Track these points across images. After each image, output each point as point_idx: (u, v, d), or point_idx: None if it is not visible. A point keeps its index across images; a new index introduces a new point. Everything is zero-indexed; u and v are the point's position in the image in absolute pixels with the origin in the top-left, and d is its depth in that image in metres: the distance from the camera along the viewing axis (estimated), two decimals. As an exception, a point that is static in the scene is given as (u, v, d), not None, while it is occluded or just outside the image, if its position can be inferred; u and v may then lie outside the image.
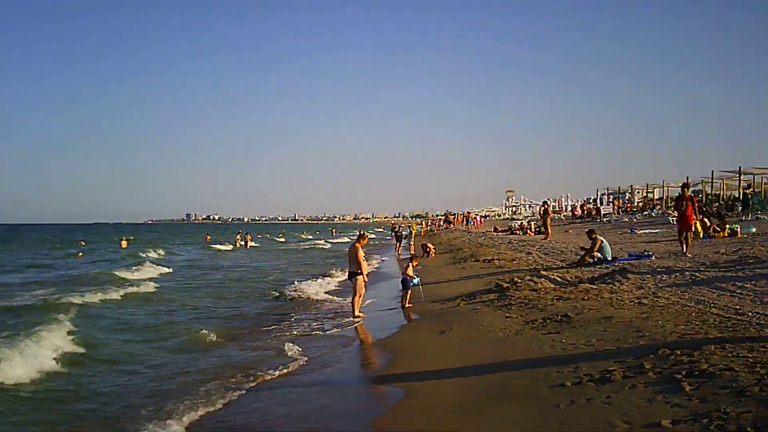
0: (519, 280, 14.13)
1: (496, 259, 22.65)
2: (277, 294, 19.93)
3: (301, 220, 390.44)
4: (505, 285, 13.92)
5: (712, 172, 52.76)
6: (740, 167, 46.32)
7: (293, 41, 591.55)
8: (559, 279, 14.45)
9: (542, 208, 35.76)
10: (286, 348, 11.06)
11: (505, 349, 8.78)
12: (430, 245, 33.58)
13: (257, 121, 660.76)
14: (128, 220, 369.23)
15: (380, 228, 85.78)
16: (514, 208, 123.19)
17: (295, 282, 22.44)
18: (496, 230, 50.80)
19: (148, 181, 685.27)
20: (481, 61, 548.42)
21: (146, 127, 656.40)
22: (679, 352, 6.92)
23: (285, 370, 9.65)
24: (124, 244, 58.89)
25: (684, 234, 17.35)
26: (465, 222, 76.91)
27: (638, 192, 71.67)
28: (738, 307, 9.52)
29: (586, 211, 63.43)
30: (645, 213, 52.62)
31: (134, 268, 32.36)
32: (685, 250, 17.06)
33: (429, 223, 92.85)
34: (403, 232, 43.13)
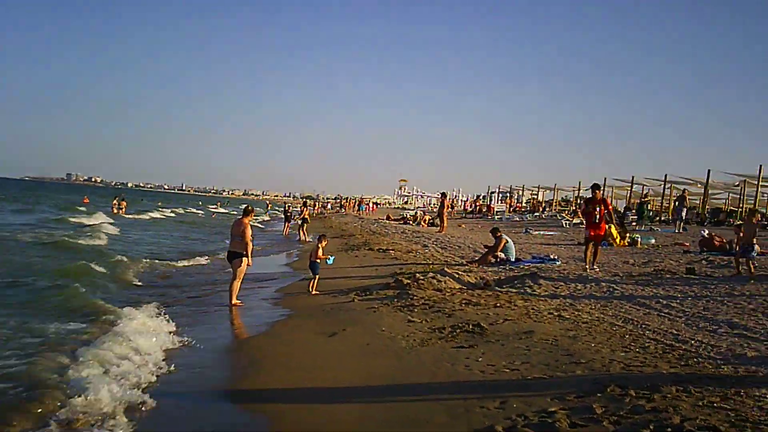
0: (421, 277, 12.56)
1: (391, 250, 21.17)
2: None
3: (188, 191, 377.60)
4: (406, 281, 12.33)
5: (605, 179, 53.64)
6: (633, 177, 47.10)
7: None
8: (464, 279, 12.99)
9: (440, 200, 34.55)
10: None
11: (411, 364, 7.15)
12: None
13: (152, 81, 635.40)
14: (4, 174, 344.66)
15: (278, 207, 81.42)
16: (406, 198, 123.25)
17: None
18: (389, 218, 49.56)
19: (28, 135, 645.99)
20: (390, 44, 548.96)
21: (30, 76, 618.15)
22: (633, 393, 5.50)
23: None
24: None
25: (593, 245, 14.50)
26: (357, 208, 75.41)
27: (529, 193, 72.61)
28: (675, 331, 8.30)
29: (477, 207, 63.49)
30: (536, 214, 52.93)
31: None
32: (590, 265, 14.35)
33: (318, 206, 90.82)
34: (295, 213, 40.97)
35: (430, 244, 23.70)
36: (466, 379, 6.45)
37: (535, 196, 70.34)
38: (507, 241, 16.91)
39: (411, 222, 42.91)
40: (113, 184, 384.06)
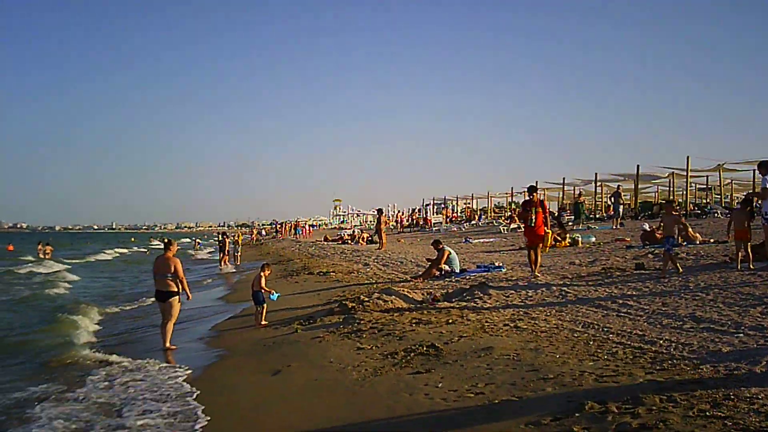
0: (366, 299, 11.88)
1: (332, 272, 20.41)
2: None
3: (119, 229, 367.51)
4: (350, 305, 11.62)
5: (536, 182, 54.19)
6: (564, 178, 47.66)
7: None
8: (411, 296, 12.37)
9: (377, 217, 33.95)
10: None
11: (366, 399, 6.46)
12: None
13: (67, 119, 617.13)
14: None
15: (215, 237, 79.05)
16: (342, 218, 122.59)
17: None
18: (326, 240, 48.74)
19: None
20: (303, 53, 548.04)
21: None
22: (615, 409, 4.97)
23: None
24: None
25: (534, 249, 14.05)
26: (294, 231, 74.27)
27: (462, 202, 72.90)
28: (639, 332, 7.87)
29: (414, 221, 63.26)
30: (472, 223, 52.99)
31: None
32: (534, 269, 13.90)
33: (255, 233, 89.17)
34: (228, 241, 39.83)
35: (371, 262, 23.07)
36: (428, 410, 5.81)
37: (469, 205, 70.80)
38: (450, 253, 16.41)
39: (349, 241, 42.24)
40: (40, 228, 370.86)
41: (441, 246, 16.62)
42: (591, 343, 7.53)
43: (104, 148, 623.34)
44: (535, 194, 14.64)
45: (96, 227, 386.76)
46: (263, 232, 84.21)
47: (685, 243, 16.48)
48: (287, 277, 21.30)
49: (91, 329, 14.30)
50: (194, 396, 7.59)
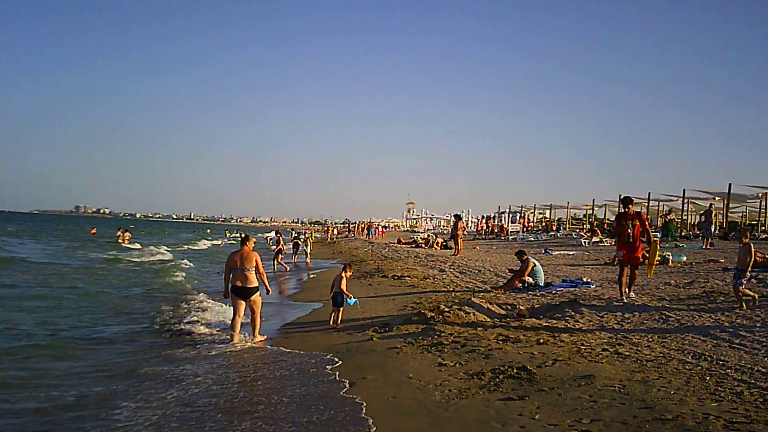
0: (446, 309, 11.14)
1: (407, 276, 19.75)
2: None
3: (197, 220, 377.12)
4: (429, 314, 10.92)
5: (620, 195, 52.27)
6: (649, 193, 45.75)
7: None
8: (494, 309, 11.57)
9: (454, 222, 33.08)
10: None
11: (451, 426, 5.77)
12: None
13: (156, 113, 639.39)
14: (12, 209, 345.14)
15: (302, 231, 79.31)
16: (415, 220, 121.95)
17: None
18: (399, 242, 48.22)
19: (36, 169, 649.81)
20: (390, 66, 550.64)
21: (39, 114, 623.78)
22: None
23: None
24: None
25: (629, 266, 12.59)
26: (366, 232, 74.04)
27: (539, 212, 71.12)
28: (763, 369, 6.89)
29: (489, 228, 61.95)
30: (550, 234, 51.46)
31: None
32: (626, 291, 12.49)
33: (331, 231, 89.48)
34: (301, 237, 39.65)
35: (447, 268, 22.32)
36: (526, 447, 5.08)
37: (545, 216, 69.05)
38: (534, 264, 15.52)
39: (423, 245, 41.50)
40: (122, 215, 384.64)
41: (525, 257, 15.73)
42: (708, 378, 6.60)
43: (187, 142, 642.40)
44: (630, 206, 13.12)
45: (174, 216, 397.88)
46: (335, 231, 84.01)
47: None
48: (360, 278, 20.74)
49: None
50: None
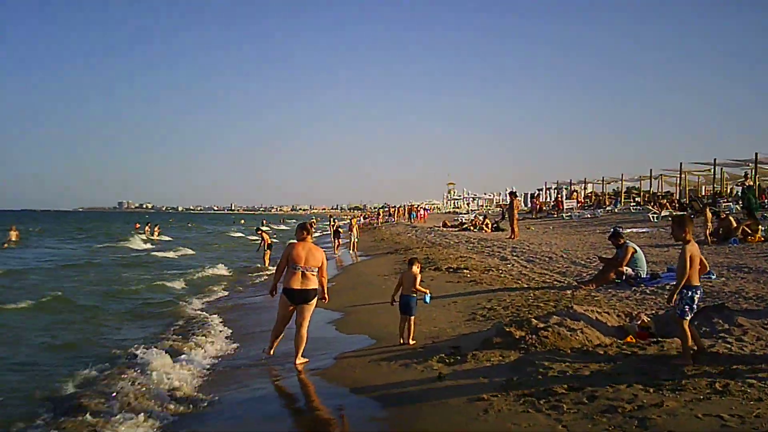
0: (540, 324, 7.70)
1: (465, 268, 16.45)
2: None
3: (237, 211, 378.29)
4: (517, 333, 7.54)
5: (650, 170, 49.62)
6: (681, 164, 43.05)
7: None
8: (604, 320, 8.20)
9: (510, 200, 29.60)
10: None
11: None
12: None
13: (194, 109, 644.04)
14: (58, 207, 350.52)
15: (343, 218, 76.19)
16: (456, 201, 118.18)
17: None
18: (445, 225, 44.91)
19: (80, 168, 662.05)
20: (428, 53, 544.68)
21: (78, 113, 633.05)
22: None
23: None
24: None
25: None
26: (408, 216, 70.66)
27: (586, 186, 66.73)
28: None
29: (538, 206, 57.99)
30: (607, 208, 47.57)
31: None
32: None
33: (370, 216, 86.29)
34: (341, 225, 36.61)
35: (509, 255, 19.01)
36: None
37: (594, 191, 64.73)
38: (635, 251, 12.13)
39: (471, 228, 38.07)
40: (164, 209, 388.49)
41: (623, 240, 12.36)
42: None
43: (230, 138, 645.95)
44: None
45: (216, 208, 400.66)
46: (379, 216, 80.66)
47: None
48: (409, 272, 17.55)
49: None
50: None
